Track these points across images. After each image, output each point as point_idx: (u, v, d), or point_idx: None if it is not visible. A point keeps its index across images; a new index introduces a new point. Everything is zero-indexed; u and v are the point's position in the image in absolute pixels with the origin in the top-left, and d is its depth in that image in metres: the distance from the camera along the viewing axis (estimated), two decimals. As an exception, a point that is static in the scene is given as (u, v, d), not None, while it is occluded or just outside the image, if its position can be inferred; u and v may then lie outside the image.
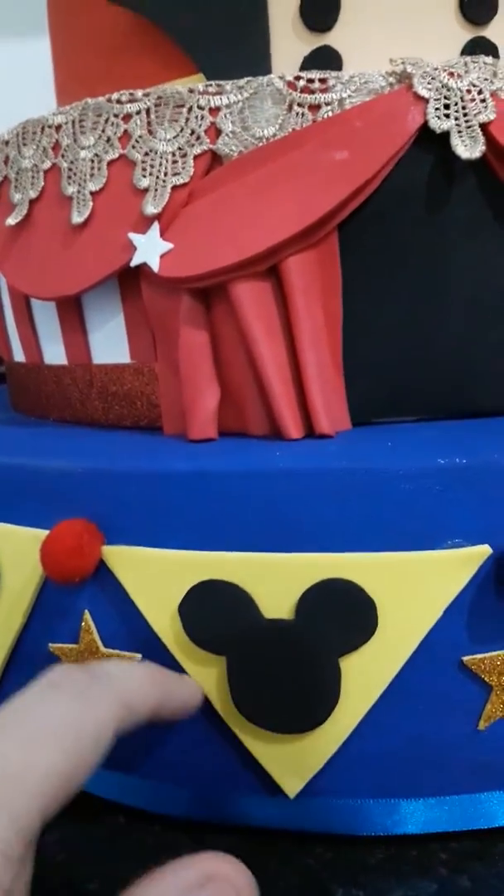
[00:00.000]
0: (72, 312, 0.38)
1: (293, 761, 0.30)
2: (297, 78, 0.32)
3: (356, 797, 0.31)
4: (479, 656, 0.29)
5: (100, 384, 0.38)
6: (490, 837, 0.31)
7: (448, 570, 0.28)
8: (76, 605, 0.32)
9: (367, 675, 0.29)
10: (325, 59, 0.35)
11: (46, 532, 0.30)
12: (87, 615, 0.32)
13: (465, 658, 0.29)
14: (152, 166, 0.33)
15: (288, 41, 0.35)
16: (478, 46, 0.36)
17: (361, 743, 0.30)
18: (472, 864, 0.31)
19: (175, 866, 0.21)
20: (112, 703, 0.24)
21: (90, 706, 0.24)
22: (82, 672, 0.25)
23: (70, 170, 0.35)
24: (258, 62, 0.36)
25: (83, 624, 0.32)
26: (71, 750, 0.22)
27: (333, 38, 0.35)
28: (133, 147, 0.34)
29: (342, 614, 0.28)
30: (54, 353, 0.40)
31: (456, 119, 0.31)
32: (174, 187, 0.33)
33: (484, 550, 0.28)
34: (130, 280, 0.35)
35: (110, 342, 0.37)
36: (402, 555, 0.28)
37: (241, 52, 0.36)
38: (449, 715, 0.30)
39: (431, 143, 0.31)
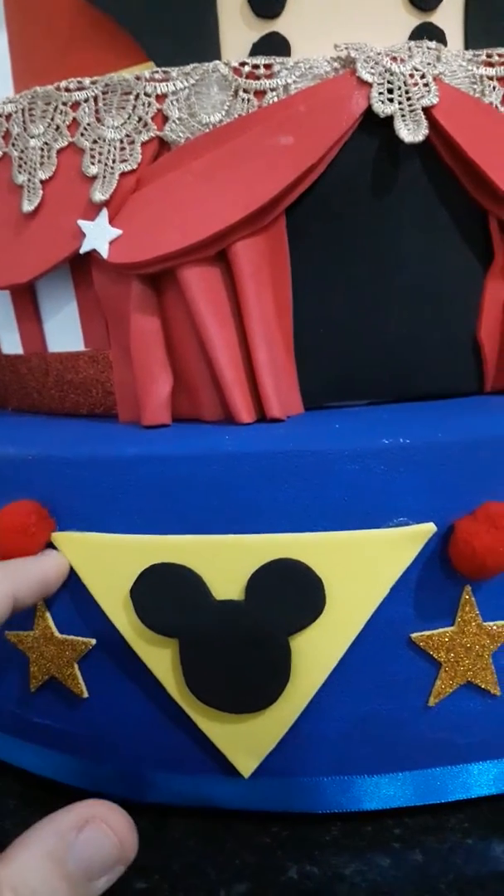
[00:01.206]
0: (26, 301, 0.38)
1: (247, 741, 0.31)
2: (243, 64, 0.32)
3: (310, 775, 0.31)
4: (426, 633, 0.29)
5: (55, 373, 0.38)
6: (443, 812, 0.32)
7: (394, 548, 0.28)
8: (30, 592, 0.32)
9: (316, 654, 0.29)
10: (274, 45, 0.35)
11: (-2, 518, 0.30)
12: (40, 602, 0.32)
13: (414, 635, 0.30)
14: (101, 153, 0.33)
15: (236, 28, 0.35)
16: (425, 32, 0.36)
17: (314, 721, 0.30)
18: (425, 839, 0.31)
19: (54, 814, 0.22)
20: None
21: None
22: None
23: (21, 158, 0.35)
24: (207, 49, 0.35)
25: (37, 611, 0.32)
26: None
27: (281, 25, 0.35)
28: (82, 135, 0.34)
29: (291, 594, 0.29)
30: (10, 342, 0.40)
31: (399, 103, 0.31)
32: (122, 174, 0.33)
33: (428, 528, 0.28)
34: (82, 267, 0.35)
35: (64, 330, 0.37)
36: (348, 534, 0.28)
37: (190, 40, 0.36)
38: (399, 692, 0.30)
39: (376, 127, 0.31)
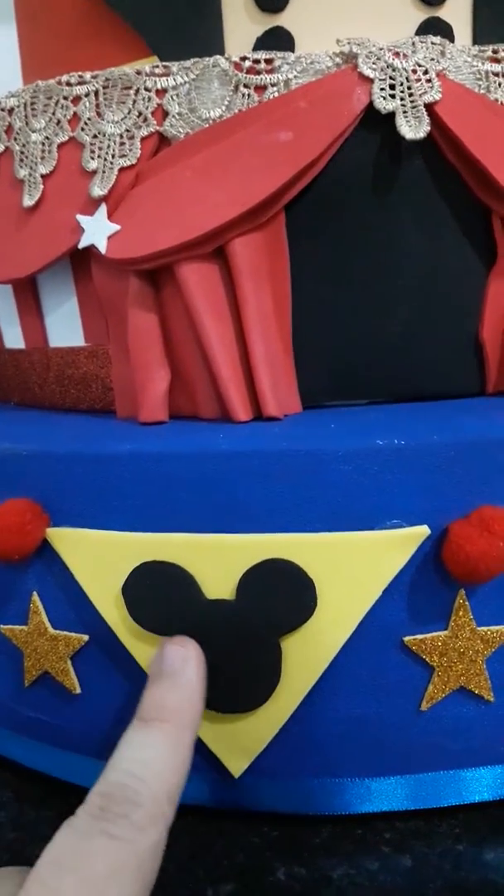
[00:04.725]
0: (28, 296, 0.38)
1: (237, 741, 0.30)
2: (244, 59, 0.32)
3: (301, 777, 0.31)
4: (419, 636, 0.29)
5: (56, 368, 0.38)
6: (435, 817, 0.32)
7: (387, 551, 0.28)
8: (24, 587, 0.32)
9: (307, 655, 0.29)
10: (278, 40, 0.35)
11: (-8, 513, 0.30)
12: (34, 597, 0.32)
13: (407, 638, 0.29)
14: (100, 148, 0.33)
15: (240, 22, 0.35)
16: (432, 27, 0.35)
17: (305, 722, 0.30)
18: (416, 844, 0.31)
19: None
20: (161, 822, 0.23)
21: (140, 835, 0.22)
22: (121, 802, 0.23)
23: (22, 153, 0.35)
24: (211, 43, 0.35)
25: (31, 605, 0.32)
26: (135, 879, 0.22)
27: (285, 19, 0.35)
28: (82, 129, 0.33)
29: (282, 594, 0.28)
30: (13, 336, 0.40)
31: (401, 99, 0.31)
32: (121, 169, 0.33)
33: (422, 531, 0.28)
34: (82, 262, 0.35)
35: (65, 325, 0.37)
36: (341, 535, 0.28)
37: (194, 33, 0.35)
38: (391, 696, 0.30)
39: (377, 123, 0.31)
